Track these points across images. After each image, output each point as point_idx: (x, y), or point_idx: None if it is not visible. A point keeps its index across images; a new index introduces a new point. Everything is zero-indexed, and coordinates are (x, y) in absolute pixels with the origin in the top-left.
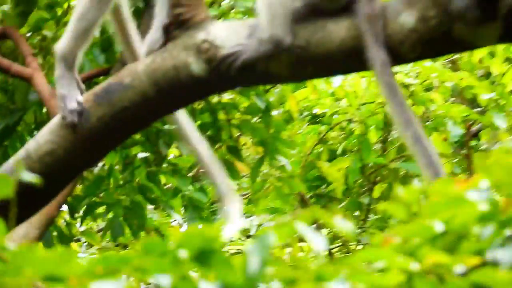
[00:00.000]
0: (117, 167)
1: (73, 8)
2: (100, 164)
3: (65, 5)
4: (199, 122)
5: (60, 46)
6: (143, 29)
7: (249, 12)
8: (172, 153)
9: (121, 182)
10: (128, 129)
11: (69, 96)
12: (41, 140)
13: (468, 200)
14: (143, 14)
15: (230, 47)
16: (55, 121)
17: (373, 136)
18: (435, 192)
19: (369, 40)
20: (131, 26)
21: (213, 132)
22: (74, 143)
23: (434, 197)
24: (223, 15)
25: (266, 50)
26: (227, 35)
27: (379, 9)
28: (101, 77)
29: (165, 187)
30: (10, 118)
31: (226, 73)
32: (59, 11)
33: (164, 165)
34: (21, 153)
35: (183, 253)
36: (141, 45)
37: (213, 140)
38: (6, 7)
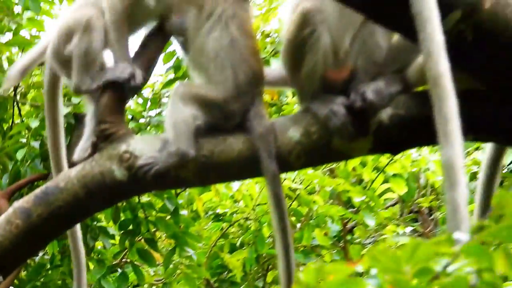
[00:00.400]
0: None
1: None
2: (40, 253)
3: (10, 121)
4: (122, 218)
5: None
6: (74, 141)
7: (162, 127)
8: (99, 245)
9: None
10: (63, 224)
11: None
12: None
13: (362, 282)
14: (73, 130)
15: (145, 157)
16: (3, 217)
17: (266, 231)
18: (331, 272)
19: (262, 154)
20: (62, 140)
21: (133, 226)
22: (18, 236)
23: (330, 277)
24: (140, 130)
25: (174, 162)
26: (144, 147)
27: (269, 126)
28: (40, 181)
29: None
30: None
31: (143, 179)
32: (5, 126)
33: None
34: None
35: None
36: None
37: (133, 234)
38: None
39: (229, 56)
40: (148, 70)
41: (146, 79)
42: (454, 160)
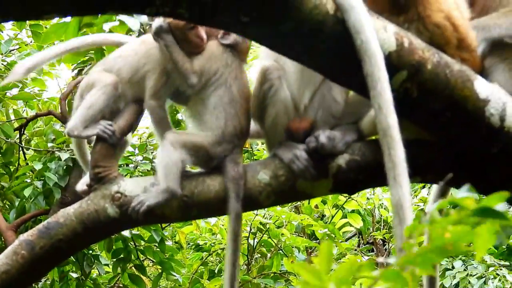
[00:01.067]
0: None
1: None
2: (42, 280)
3: (16, 164)
4: (114, 247)
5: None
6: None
7: (148, 172)
8: (94, 272)
9: None
10: (63, 255)
11: None
12: (0, 262)
13: None
14: (71, 172)
15: (136, 196)
16: (10, 248)
17: (241, 260)
18: None
19: (231, 195)
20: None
21: (124, 255)
22: (24, 265)
23: None
24: (130, 172)
25: (163, 198)
26: (134, 188)
27: (241, 171)
28: (43, 216)
29: None
30: None
31: (133, 215)
32: (12, 168)
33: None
34: None
35: None
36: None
37: (124, 261)
38: None
39: (226, 110)
40: (132, 125)
41: (131, 131)
42: (403, 200)
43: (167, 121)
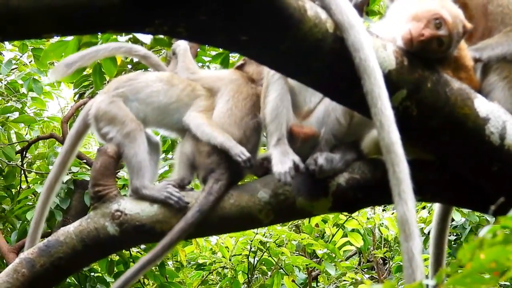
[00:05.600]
0: None
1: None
2: None
3: (18, 187)
4: (116, 271)
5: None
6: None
7: None
8: None
9: None
10: (63, 273)
11: None
12: (0, 280)
13: None
14: (72, 194)
15: (136, 214)
16: (10, 267)
17: (241, 278)
18: None
19: (193, 206)
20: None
21: None
22: (24, 283)
23: None
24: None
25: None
26: (133, 206)
27: (217, 189)
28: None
29: None
30: None
31: (133, 232)
32: (14, 191)
33: None
34: None
35: None
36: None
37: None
38: None
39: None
40: None
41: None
42: (408, 215)
43: None
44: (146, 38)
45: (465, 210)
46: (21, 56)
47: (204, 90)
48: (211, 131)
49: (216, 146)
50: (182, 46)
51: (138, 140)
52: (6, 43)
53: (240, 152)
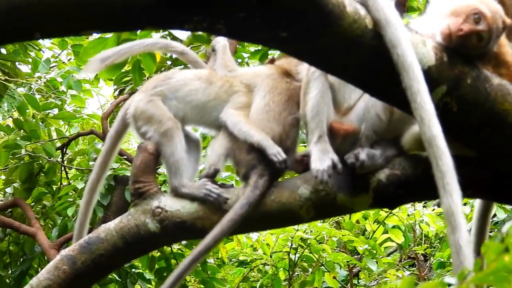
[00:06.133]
0: None
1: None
2: None
3: (59, 183)
4: (156, 267)
5: None
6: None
7: None
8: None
9: None
10: (104, 270)
11: None
12: (41, 277)
13: None
14: (113, 190)
15: (176, 211)
16: (52, 263)
17: (282, 275)
18: None
19: (240, 199)
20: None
21: (167, 273)
22: (65, 280)
23: None
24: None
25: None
26: (174, 203)
27: (262, 184)
28: None
29: None
30: (24, 265)
31: (173, 229)
32: (55, 187)
33: None
34: (27, 287)
35: None
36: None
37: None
38: (16, 185)
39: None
40: None
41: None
42: (454, 207)
43: None
44: (183, 35)
45: (508, 207)
46: (59, 54)
47: (242, 86)
48: (248, 129)
49: (253, 145)
50: (221, 43)
51: (175, 139)
52: (45, 41)
53: (277, 152)
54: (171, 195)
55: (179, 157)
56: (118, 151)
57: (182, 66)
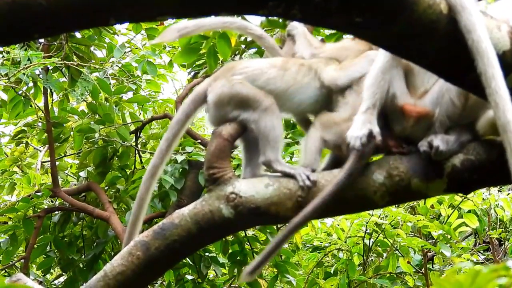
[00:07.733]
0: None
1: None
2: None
3: (132, 167)
4: (231, 250)
5: None
6: (188, 184)
7: None
8: (211, 273)
9: None
10: (177, 255)
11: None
12: (115, 263)
13: None
14: (187, 174)
15: (250, 196)
16: (125, 249)
17: (356, 260)
18: None
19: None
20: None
21: (241, 257)
22: (139, 266)
23: None
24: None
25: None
26: (248, 188)
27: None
28: (159, 219)
29: None
30: (97, 249)
31: (247, 215)
32: (128, 171)
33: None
34: (101, 273)
35: None
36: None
37: (240, 263)
38: (89, 169)
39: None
40: None
41: None
42: None
43: None
44: (254, 20)
45: None
46: (134, 37)
47: (325, 59)
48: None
49: None
50: (299, 28)
51: (276, 113)
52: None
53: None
54: (246, 180)
55: (280, 133)
56: (181, 136)
57: (256, 50)
